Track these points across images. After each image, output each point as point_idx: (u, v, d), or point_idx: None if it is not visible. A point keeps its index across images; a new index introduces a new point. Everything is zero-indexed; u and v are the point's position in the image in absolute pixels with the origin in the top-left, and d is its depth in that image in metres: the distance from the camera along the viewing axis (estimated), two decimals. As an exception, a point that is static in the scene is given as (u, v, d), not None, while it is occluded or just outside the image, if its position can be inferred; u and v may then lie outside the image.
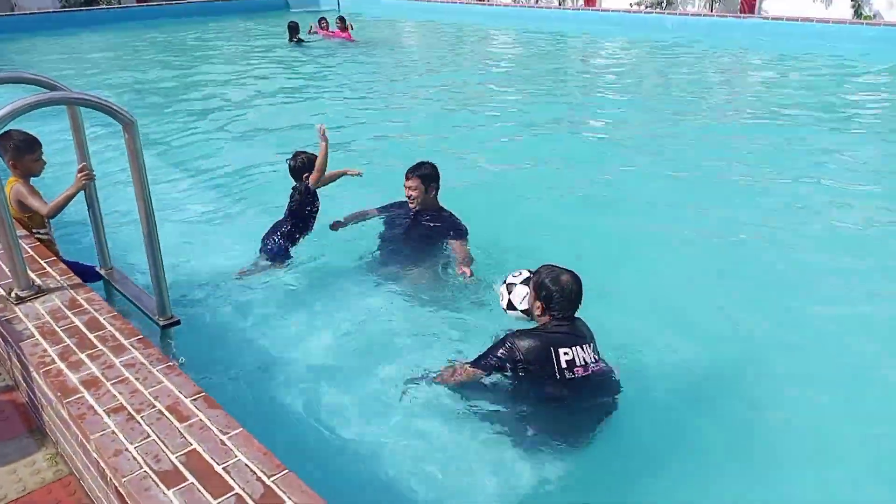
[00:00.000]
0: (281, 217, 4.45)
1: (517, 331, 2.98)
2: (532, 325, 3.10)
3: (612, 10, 16.26)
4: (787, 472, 2.86)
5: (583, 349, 2.88)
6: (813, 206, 5.49)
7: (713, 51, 12.75)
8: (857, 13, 13.38)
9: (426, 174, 4.33)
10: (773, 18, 13.86)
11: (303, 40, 14.23)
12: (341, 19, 15.11)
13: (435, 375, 3.13)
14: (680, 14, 15.17)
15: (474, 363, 2.98)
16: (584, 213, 5.42)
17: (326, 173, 4.31)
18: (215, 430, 2.09)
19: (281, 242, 4.37)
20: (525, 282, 3.20)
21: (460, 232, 4.36)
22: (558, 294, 2.91)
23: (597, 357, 2.93)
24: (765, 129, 7.63)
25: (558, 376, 2.82)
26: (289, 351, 3.62)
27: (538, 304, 2.98)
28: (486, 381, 3.02)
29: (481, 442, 2.91)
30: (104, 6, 20.62)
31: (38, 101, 2.67)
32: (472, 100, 9.53)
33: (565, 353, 2.83)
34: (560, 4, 18.01)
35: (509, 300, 3.25)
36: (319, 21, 15.11)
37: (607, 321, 3.29)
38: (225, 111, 8.97)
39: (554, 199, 5.72)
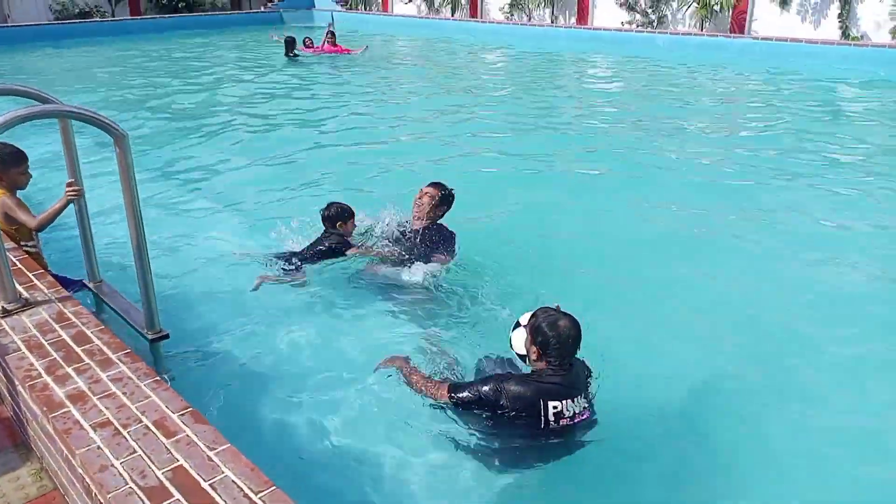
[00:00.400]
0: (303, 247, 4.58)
1: (509, 374, 2.88)
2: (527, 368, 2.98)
3: (604, 29, 16.41)
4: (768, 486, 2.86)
5: (574, 401, 2.76)
6: (798, 226, 5.54)
7: (704, 70, 12.88)
8: (845, 34, 13.57)
9: (447, 193, 4.51)
10: (762, 38, 14.03)
11: (297, 55, 14.44)
12: (331, 34, 15.34)
13: (411, 374, 3.11)
14: (671, 33, 15.33)
15: (452, 389, 2.87)
16: (572, 234, 5.40)
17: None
18: (202, 445, 2.07)
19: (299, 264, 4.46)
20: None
21: (452, 251, 4.45)
22: (555, 340, 2.73)
23: (586, 405, 2.82)
24: (754, 150, 7.69)
25: (542, 427, 2.72)
26: (279, 366, 3.59)
27: (534, 349, 2.81)
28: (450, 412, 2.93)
29: (464, 462, 2.86)
30: (98, 19, 20.65)
31: (29, 113, 2.68)
32: (463, 117, 9.57)
33: (554, 407, 2.72)
34: (553, 22, 18.17)
35: (510, 339, 3.08)
36: (327, 35, 15.33)
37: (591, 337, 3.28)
38: (219, 125, 8.97)
39: (543, 220, 5.70)
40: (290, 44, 14.45)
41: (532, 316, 2.88)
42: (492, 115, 9.72)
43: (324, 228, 4.59)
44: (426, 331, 3.84)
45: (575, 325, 2.77)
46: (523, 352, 2.96)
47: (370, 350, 3.67)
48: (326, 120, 9.28)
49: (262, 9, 23.40)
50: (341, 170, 6.87)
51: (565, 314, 2.81)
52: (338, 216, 4.53)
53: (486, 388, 2.78)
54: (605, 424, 2.92)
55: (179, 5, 22.11)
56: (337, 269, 4.48)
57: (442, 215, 4.54)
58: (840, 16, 13.60)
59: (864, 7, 13.36)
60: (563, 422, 2.72)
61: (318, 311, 4.12)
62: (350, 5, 23.51)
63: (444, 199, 4.49)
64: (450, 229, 4.56)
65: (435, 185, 4.54)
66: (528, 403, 2.71)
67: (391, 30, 20.15)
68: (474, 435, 2.91)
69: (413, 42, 18.26)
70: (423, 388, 3.02)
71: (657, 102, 10.53)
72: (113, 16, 21.27)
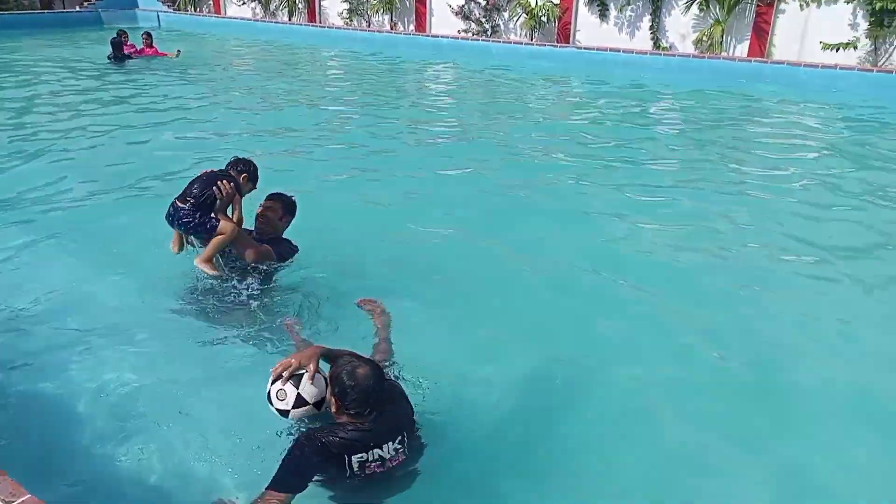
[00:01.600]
0: None
1: (308, 434, 2.64)
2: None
3: (442, 36, 16.82)
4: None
5: (383, 448, 2.65)
6: (628, 221, 5.98)
7: (534, 76, 13.59)
8: (657, 45, 14.90)
9: (289, 202, 4.35)
10: (585, 48, 15.05)
11: (130, 57, 13.48)
12: (147, 35, 14.41)
13: None
14: (504, 42, 16.02)
15: (273, 487, 2.49)
16: (403, 237, 5.51)
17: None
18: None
19: None
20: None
21: (282, 255, 4.32)
22: (352, 391, 2.59)
23: (400, 448, 2.71)
24: (577, 150, 8.23)
25: (348, 479, 2.63)
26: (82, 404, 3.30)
27: (333, 399, 2.66)
28: None
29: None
30: None
31: None
32: (298, 122, 9.37)
33: (360, 458, 2.62)
34: (392, 29, 18.33)
35: (298, 394, 2.73)
36: (143, 36, 14.29)
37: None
38: (35, 134, 8.11)
39: (373, 224, 5.75)
40: (117, 44, 13.32)
41: (334, 364, 2.73)
42: (329, 120, 9.61)
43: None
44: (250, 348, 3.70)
45: (376, 374, 2.64)
46: (316, 399, 2.74)
47: (194, 372, 3.48)
48: (156, 129, 8.66)
49: (78, 8, 21.40)
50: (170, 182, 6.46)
51: (368, 362, 2.70)
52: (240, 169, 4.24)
53: (292, 463, 2.54)
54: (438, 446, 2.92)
55: (-24, 3, 19.76)
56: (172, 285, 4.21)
57: (287, 226, 4.40)
58: (651, 28, 14.92)
59: (671, 20, 14.76)
60: (369, 470, 2.64)
61: (141, 336, 3.85)
62: (178, 6, 22.24)
63: (288, 208, 4.36)
64: (293, 244, 4.44)
65: (274, 197, 4.37)
66: (331, 464, 2.60)
67: (225, 32, 19.31)
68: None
69: (248, 46, 17.58)
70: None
71: (493, 105, 10.95)
72: None
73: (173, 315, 4.09)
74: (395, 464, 2.71)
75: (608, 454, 3.20)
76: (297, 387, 2.73)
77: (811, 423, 3.45)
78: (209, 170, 4.23)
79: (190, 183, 4.13)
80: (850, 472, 3.14)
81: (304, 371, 2.75)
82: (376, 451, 2.64)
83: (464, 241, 5.43)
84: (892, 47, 12.67)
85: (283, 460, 2.57)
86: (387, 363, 3.33)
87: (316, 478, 2.63)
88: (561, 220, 5.95)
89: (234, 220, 4.13)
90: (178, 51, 14.27)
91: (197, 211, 4.01)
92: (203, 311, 4.08)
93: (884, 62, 12.75)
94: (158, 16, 21.03)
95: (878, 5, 12.17)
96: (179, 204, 4.06)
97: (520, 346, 4.00)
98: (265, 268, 4.23)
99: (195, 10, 22.29)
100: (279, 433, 2.91)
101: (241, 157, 4.35)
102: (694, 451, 3.25)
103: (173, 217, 4.09)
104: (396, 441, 2.71)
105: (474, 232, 5.60)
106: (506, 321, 4.29)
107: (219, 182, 4.05)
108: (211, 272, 4.15)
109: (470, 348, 3.96)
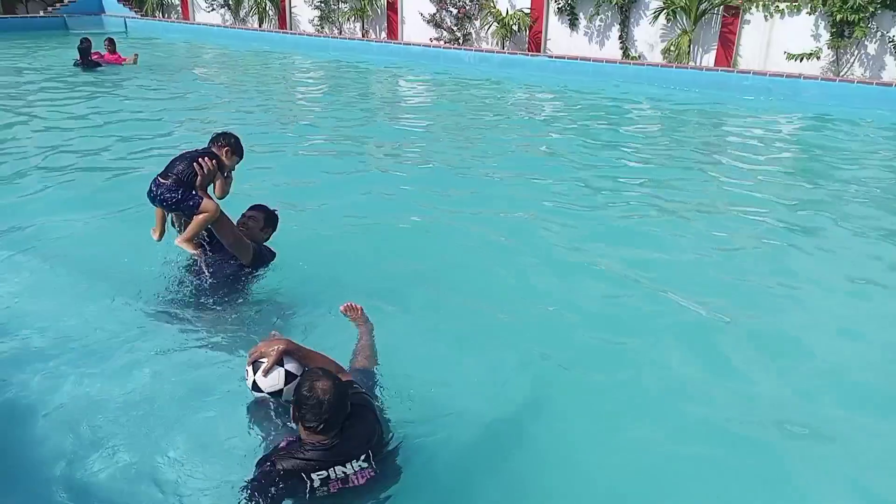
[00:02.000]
0: None
1: (268, 457, 2.63)
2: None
3: (414, 44, 16.84)
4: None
5: (345, 466, 2.63)
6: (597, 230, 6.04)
7: (507, 84, 13.68)
8: (626, 54, 15.10)
9: (271, 215, 4.36)
10: (556, 57, 15.19)
11: (90, 63, 13.03)
12: (110, 41, 14.01)
13: None
14: (476, 50, 16.10)
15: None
16: (383, 241, 5.54)
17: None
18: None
19: None
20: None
21: (262, 256, 4.30)
22: (306, 402, 2.57)
23: (365, 465, 2.67)
24: (551, 157, 8.30)
25: (309, 496, 2.58)
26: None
27: (292, 408, 2.67)
28: None
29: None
30: None
31: None
32: (270, 131, 9.30)
33: (319, 475, 2.58)
34: (364, 36, 18.31)
35: (254, 381, 2.87)
36: (105, 42, 13.96)
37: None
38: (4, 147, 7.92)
39: (355, 230, 5.75)
40: (85, 51, 12.88)
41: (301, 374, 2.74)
42: (303, 125, 9.55)
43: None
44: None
45: (335, 390, 2.59)
46: (273, 389, 2.84)
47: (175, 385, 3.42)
48: (127, 139, 8.52)
49: (42, 13, 20.98)
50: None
51: (330, 377, 2.65)
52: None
53: (258, 487, 2.52)
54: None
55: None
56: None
57: (268, 238, 4.40)
58: (620, 37, 15.12)
59: (639, 30, 14.98)
60: (332, 487, 2.60)
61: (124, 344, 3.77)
62: (146, 11, 21.95)
63: (269, 221, 4.37)
64: (272, 250, 4.43)
65: (257, 207, 4.38)
66: (289, 481, 2.55)
67: (193, 38, 19.10)
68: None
69: (218, 53, 17.41)
70: None
71: (466, 112, 10.99)
72: None
73: (148, 324, 4.02)
74: (361, 480, 2.66)
75: (589, 464, 3.21)
76: (254, 372, 2.88)
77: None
78: (192, 149, 4.19)
79: (172, 160, 4.08)
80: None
81: (263, 361, 2.86)
82: (338, 469, 2.61)
83: (442, 249, 5.44)
84: (853, 58, 13.01)
85: (251, 483, 2.55)
86: (369, 371, 3.31)
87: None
88: (542, 225, 5.97)
89: (220, 193, 4.09)
90: (136, 55, 13.84)
91: (179, 188, 3.96)
92: (179, 320, 4.02)
93: (845, 72, 13.09)
94: (125, 21, 20.73)
95: (838, 17, 12.50)
96: (161, 180, 4.00)
97: (501, 353, 4.00)
98: (243, 271, 4.19)
99: (163, 16, 22.03)
100: (248, 442, 2.89)
101: (220, 131, 4.27)
102: (677, 457, 3.28)
103: (154, 194, 4.02)
104: (361, 458, 2.67)
105: (452, 239, 5.61)
106: (486, 328, 4.29)
107: (200, 159, 4.01)
108: (192, 251, 4.12)
109: (449, 357, 3.95)
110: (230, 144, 4.19)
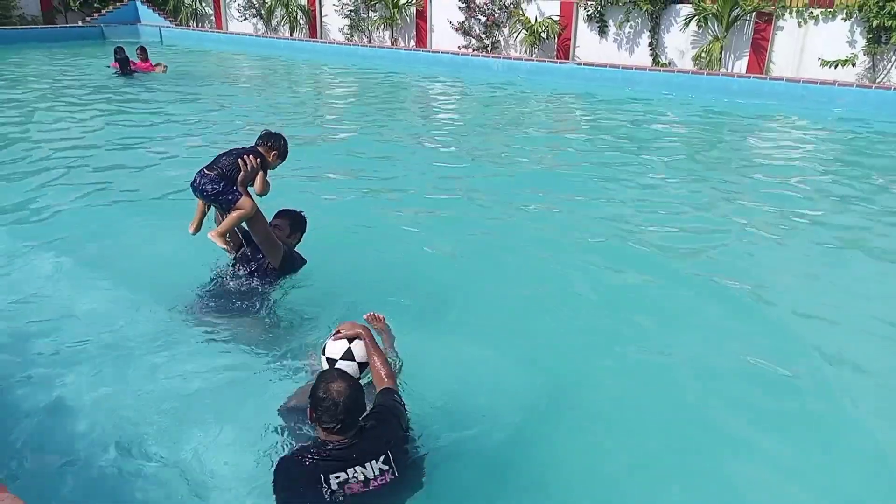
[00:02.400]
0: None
1: (287, 456, 2.69)
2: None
3: (443, 52, 16.92)
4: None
5: (364, 467, 2.62)
6: (611, 236, 5.99)
7: (535, 92, 13.66)
8: (656, 61, 14.99)
9: (297, 217, 4.36)
10: (585, 64, 15.13)
11: (129, 72, 13.38)
12: (142, 49, 14.29)
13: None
14: (504, 58, 16.12)
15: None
16: (413, 254, 5.53)
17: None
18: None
19: None
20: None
21: (293, 260, 4.33)
22: (322, 403, 2.61)
23: (385, 468, 2.66)
24: (575, 166, 8.25)
25: (327, 497, 2.58)
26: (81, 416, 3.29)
27: (309, 408, 2.70)
28: None
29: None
30: None
31: None
32: (302, 137, 9.40)
33: (337, 477, 2.58)
34: (393, 44, 18.45)
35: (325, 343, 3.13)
36: (137, 51, 14.30)
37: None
38: (47, 151, 8.12)
39: (390, 241, 5.77)
40: (123, 60, 13.21)
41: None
42: (328, 136, 9.64)
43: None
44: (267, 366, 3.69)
45: (350, 390, 2.63)
46: (335, 356, 3.05)
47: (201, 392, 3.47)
48: (163, 144, 8.70)
49: (80, 23, 21.57)
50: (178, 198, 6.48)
51: (346, 378, 2.70)
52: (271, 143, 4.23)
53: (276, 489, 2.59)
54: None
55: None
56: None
57: (298, 242, 4.40)
58: (650, 44, 15.02)
59: (670, 37, 14.86)
60: (350, 489, 2.59)
61: (147, 349, 3.83)
62: (180, 21, 22.41)
63: (296, 225, 4.37)
64: (303, 257, 4.45)
65: (282, 214, 4.38)
66: (307, 482, 2.56)
67: (227, 47, 19.41)
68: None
69: (250, 61, 17.70)
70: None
71: (495, 119, 10.99)
72: None
73: (178, 326, 4.08)
74: (381, 483, 2.65)
75: (614, 471, 3.18)
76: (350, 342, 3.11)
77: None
78: (240, 147, 4.27)
79: (219, 155, 4.18)
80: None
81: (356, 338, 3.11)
82: (358, 469, 2.61)
83: (465, 260, 5.42)
84: (891, 64, 12.74)
85: (271, 484, 2.61)
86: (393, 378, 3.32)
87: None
88: (556, 235, 5.94)
89: (259, 191, 4.14)
90: (165, 66, 14.07)
91: (221, 180, 4.04)
92: (210, 321, 4.08)
93: (882, 79, 12.82)
94: (160, 31, 21.18)
95: (874, 22, 12.26)
96: (206, 171, 4.09)
97: (517, 360, 4.00)
98: (272, 275, 4.23)
99: (197, 26, 22.47)
100: (274, 446, 2.92)
101: (272, 131, 4.32)
102: (686, 456, 3.25)
103: (197, 184, 4.10)
104: (381, 460, 2.67)
105: (474, 250, 5.59)
106: (501, 334, 4.29)
107: (245, 156, 4.09)
108: (222, 245, 4.18)
109: (472, 365, 3.96)
110: (278, 147, 4.25)
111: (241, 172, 4.04)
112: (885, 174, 8.14)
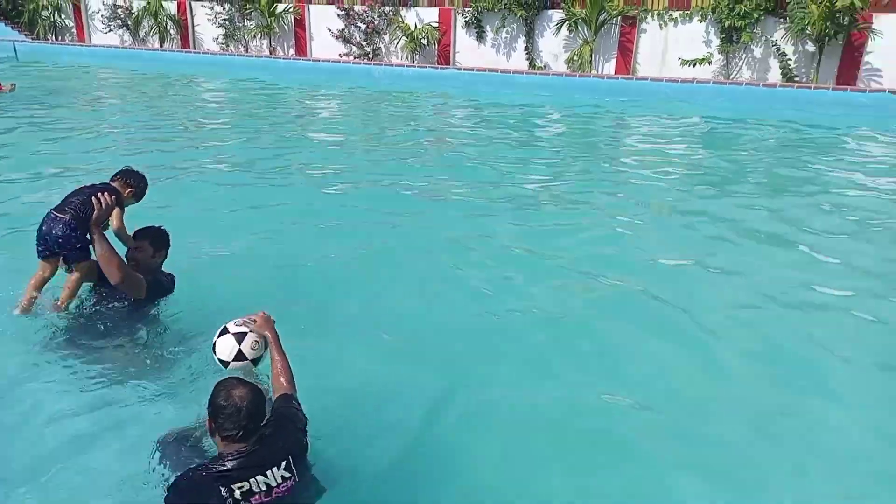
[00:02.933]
0: None
1: (183, 474, 2.54)
2: None
3: (323, 60, 16.72)
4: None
5: (266, 475, 2.53)
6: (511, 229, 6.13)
7: (418, 97, 13.76)
8: (532, 64, 15.50)
9: (157, 236, 4.01)
10: (466, 69, 15.42)
11: None
12: None
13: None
14: (385, 64, 16.13)
15: None
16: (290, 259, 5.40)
17: None
18: None
19: None
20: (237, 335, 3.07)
21: (159, 286, 4.04)
22: (224, 410, 2.51)
23: (287, 475, 2.58)
24: (461, 169, 8.39)
25: None
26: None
27: (208, 419, 2.58)
28: None
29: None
30: None
31: None
32: (174, 152, 8.98)
33: (240, 487, 2.48)
34: (271, 53, 18.03)
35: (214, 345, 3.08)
36: None
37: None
38: None
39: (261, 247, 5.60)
40: None
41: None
42: (208, 146, 9.27)
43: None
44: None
45: (253, 395, 2.56)
46: (226, 358, 3.03)
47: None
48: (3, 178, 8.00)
49: (-80, 38, 19.60)
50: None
51: (248, 384, 2.62)
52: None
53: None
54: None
55: None
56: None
57: (164, 259, 4.08)
58: (526, 48, 15.51)
59: (544, 41, 15.42)
60: (255, 499, 2.50)
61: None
62: (37, 34, 20.85)
63: (157, 242, 4.01)
64: (171, 275, 4.15)
65: (140, 234, 3.99)
66: (207, 495, 2.44)
67: (93, 61, 18.20)
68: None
69: (118, 75, 16.68)
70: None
71: (379, 126, 10.96)
72: None
73: (47, 368, 3.70)
74: (284, 490, 2.58)
75: (500, 469, 3.22)
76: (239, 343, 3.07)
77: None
78: (89, 183, 3.88)
79: (68, 196, 3.77)
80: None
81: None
82: (260, 478, 2.52)
83: (349, 268, 5.32)
84: (742, 61, 13.82)
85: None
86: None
87: None
88: (448, 237, 5.99)
89: (116, 227, 3.81)
90: (13, 84, 12.86)
91: (75, 223, 3.65)
92: (81, 361, 3.73)
93: (735, 75, 13.87)
94: (14, 45, 19.59)
95: (726, 23, 13.26)
96: (57, 214, 3.67)
97: (428, 366, 3.96)
98: (140, 304, 3.94)
99: (56, 39, 21.01)
100: (160, 475, 2.74)
101: (127, 168, 4.01)
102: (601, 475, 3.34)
103: (45, 232, 3.67)
104: (282, 467, 2.59)
105: (357, 257, 5.48)
106: (410, 340, 4.23)
107: (99, 194, 3.73)
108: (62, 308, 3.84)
109: (372, 370, 3.88)
110: (136, 187, 3.95)
111: (96, 212, 3.70)
112: (742, 159, 8.82)
